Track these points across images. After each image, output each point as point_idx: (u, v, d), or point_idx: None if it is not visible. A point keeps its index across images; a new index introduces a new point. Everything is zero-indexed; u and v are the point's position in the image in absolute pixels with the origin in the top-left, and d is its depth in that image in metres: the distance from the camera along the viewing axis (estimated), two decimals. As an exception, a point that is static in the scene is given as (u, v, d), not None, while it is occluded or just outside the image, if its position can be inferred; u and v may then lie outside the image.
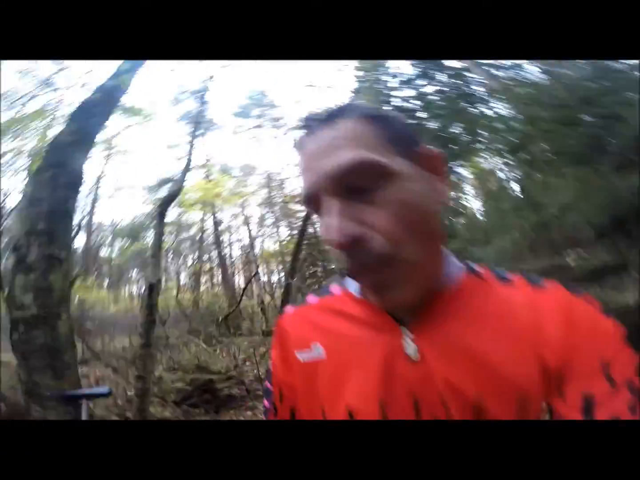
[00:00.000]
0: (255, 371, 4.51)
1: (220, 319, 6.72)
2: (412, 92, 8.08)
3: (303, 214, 7.81)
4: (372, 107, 0.43)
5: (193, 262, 11.31)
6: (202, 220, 11.39)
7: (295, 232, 10.22)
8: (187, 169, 5.12)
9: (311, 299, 0.57)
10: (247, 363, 4.84)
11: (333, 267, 8.61)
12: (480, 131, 5.78)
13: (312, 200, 0.41)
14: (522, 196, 5.22)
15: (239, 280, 13.00)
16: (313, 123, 0.41)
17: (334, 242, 0.37)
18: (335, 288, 0.56)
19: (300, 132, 0.44)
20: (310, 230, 8.28)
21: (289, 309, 0.58)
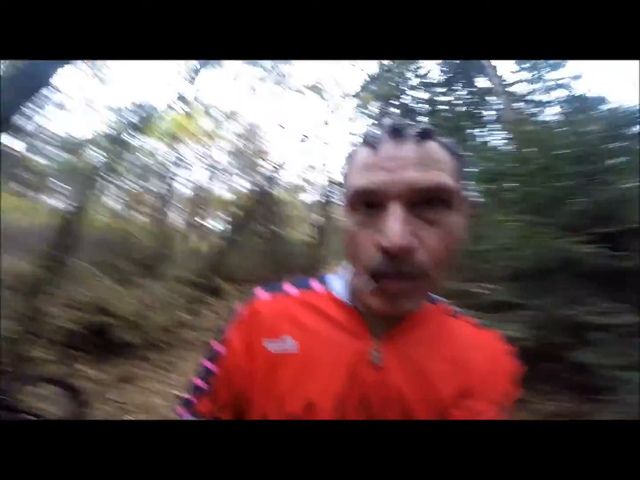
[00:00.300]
0: (163, 321, 4.37)
1: (142, 256, 6.33)
2: (425, 95, 7.98)
3: (268, 172, 7.57)
4: (448, 140, 0.46)
5: (131, 190, 10.41)
6: (160, 152, 10.60)
7: (256, 188, 10.03)
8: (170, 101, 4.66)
9: (290, 289, 0.58)
10: (155, 311, 4.66)
11: (282, 232, 8.60)
12: (467, 153, 5.94)
13: (365, 197, 0.43)
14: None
15: (176, 220, 12.41)
16: (400, 130, 0.43)
17: (389, 245, 0.39)
18: (315, 284, 0.58)
19: (373, 129, 0.46)
20: (270, 190, 8.09)
21: (262, 293, 0.58)
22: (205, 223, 13.41)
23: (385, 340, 0.49)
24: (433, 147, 0.43)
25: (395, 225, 0.39)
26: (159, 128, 8.07)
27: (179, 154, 10.81)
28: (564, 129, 3.76)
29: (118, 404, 2.56)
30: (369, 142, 0.44)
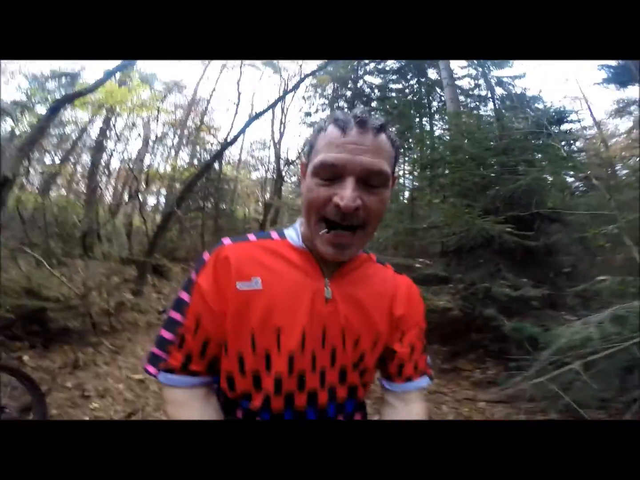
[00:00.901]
0: (104, 303, 4.09)
1: (77, 235, 5.63)
2: (378, 81, 8.01)
3: (215, 147, 7.10)
4: (393, 134, 0.59)
5: (55, 163, 9.00)
6: (89, 122, 9.19)
7: (196, 161, 9.37)
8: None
9: (251, 237, 0.67)
10: (94, 294, 4.32)
11: (224, 207, 8.26)
12: (410, 139, 6.27)
13: (330, 169, 0.54)
14: (407, 203, 6.01)
15: (108, 195, 11.21)
16: (365, 122, 0.54)
17: (344, 204, 0.53)
18: (274, 234, 0.68)
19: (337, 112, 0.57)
20: (216, 166, 7.63)
21: (227, 241, 0.65)
22: (144, 199, 12.30)
23: (333, 278, 0.63)
24: (384, 139, 0.56)
25: (349, 192, 0.53)
26: (91, 99, 7.03)
27: (112, 126, 9.68)
28: (495, 124, 4.22)
29: (75, 390, 2.45)
30: (339, 125, 0.55)
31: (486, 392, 2.86)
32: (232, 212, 9.29)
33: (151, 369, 0.63)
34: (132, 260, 5.82)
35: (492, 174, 3.89)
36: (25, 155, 3.15)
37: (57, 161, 9.09)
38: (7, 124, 7.73)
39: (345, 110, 0.54)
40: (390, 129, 0.58)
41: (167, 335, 0.63)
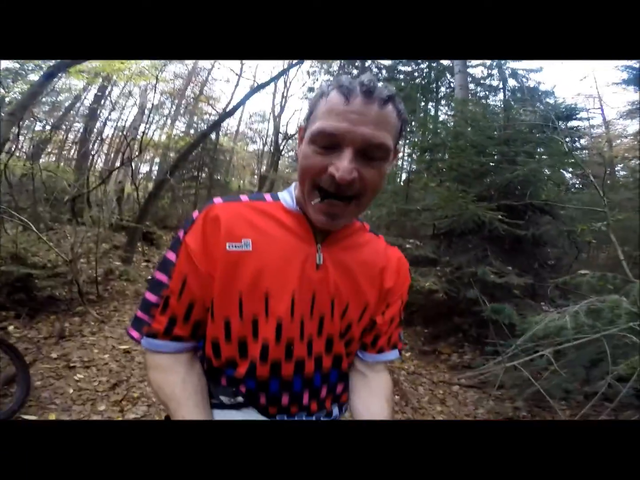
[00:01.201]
0: (92, 271, 4.08)
1: (66, 199, 5.50)
2: (388, 62, 7.65)
3: (213, 117, 6.87)
4: (402, 106, 0.55)
5: (46, 129, 8.67)
6: (84, 90, 8.74)
7: (193, 131, 9.11)
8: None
9: (244, 197, 0.64)
10: (83, 260, 4.32)
11: (219, 178, 8.13)
12: (413, 122, 6.09)
13: (329, 137, 0.51)
14: (402, 185, 5.95)
15: (100, 162, 11.01)
16: (371, 92, 0.50)
17: (340, 176, 0.50)
18: (267, 196, 0.65)
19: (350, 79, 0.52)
20: (213, 137, 7.42)
21: (218, 200, 0.62)
22: (137, 166, 12.02)
23: (326, 244, 0.61)
24: (390, 111, 0.52)
25: (346, 164, 0.50)
26: (87, 66, 6.64)
27: (108, 94, 9.23)
28: (501, 114, 4.12)
29: (61, 361, 2.50)
30: (343, 91, 0.51)
31: (461, 376, 2.99)
32: (226, 183, 9.13)
33: (134, 334, 0.62)
34: (122, 226, 5.76)
35: (491, 163, 3.84)
36: (16, 120, 3.03)
37: (49, 128, 8.75)
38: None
39: (353, 75, 0.49)
40: (398, 100, 0.54)
41: (151, 297, 0.61)
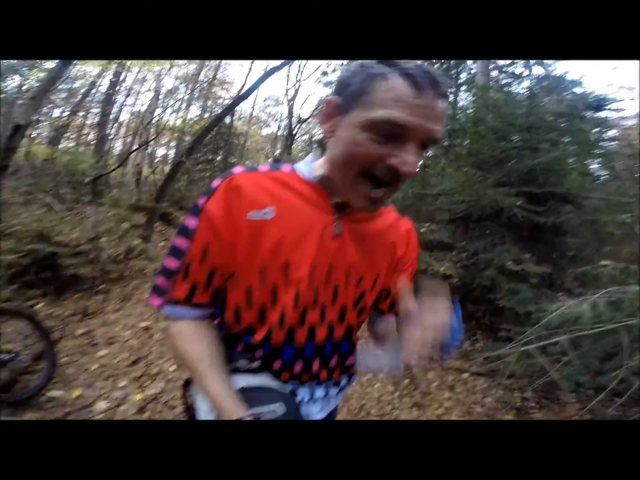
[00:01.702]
0: (112, 250, 4.23)
1: (86, 180, 5.68)
2: None
3: (227, 101, 6.83)
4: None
5: (64, 115, 8.86)
6: (99, 76, 8.80)
7: (207, 115, 9.11)
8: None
9: (262, 168, 0.64)
10: (104, 239, 4.46)
11: (233, 161, 8.16)
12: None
13: (395, 128, 0.49)
14: (419, 170, 5.80)
15: (118, 146, 11.23)
16: (439, 86, 0.49)
17: (405, 170, 0.51)
18: (285, 167, 0.65)
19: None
20: (227, 120, 7.40)
21: (238, 169, 0.63)
22: (154, 150, 12.19)
23: (342, 215, 0.62)
24: (445, 107, 0.52)
25: (412, 158, 0.50)
26: None
27: (123, 79, 9.27)
28: (525, 102, 3.92)
29: (85, 338, 2.64)
30: (413, 81, 0.48)
31: (471, 363, 3.00)
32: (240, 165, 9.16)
33: (156, 302, 0.62)
34: (140, 207, 5.89)
35: (512, 149, 3.68)
36: (37, 105, 3.13)
37: (66, 114, 8.95)
38: (15, 80, 7.49)
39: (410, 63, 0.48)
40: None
41: (171, 264, 0.61)
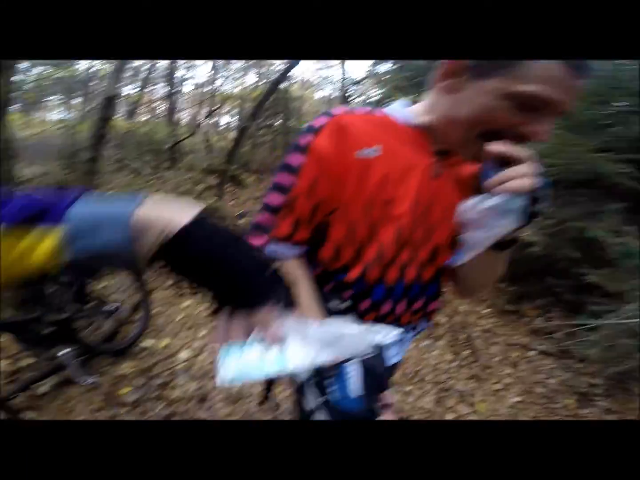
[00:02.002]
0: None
1: (166, 147, 6.25)
2: None
3: (282, 67, 6.69)
4: None
5: (134, 93, 9.65)
6: None
7: (263, 82, 9.08)
8: None
9: (359, 109, 0.66)
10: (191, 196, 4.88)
11: (292, 124, 8.17)
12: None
13: (544, 104, 0.50)
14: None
15: (184, 117, 11.90)
16: (584, 69, 0.50)
17: (542, 138, 0.53)
18: (381, 110, 0.68)
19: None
20: (283, 86, 7.34)
21: (339, 110, 0.65)
22: (218, 119, 12.66)
23: (441, 158, 0.64)
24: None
25: (547, 128, 0.52)
26: None
27: None
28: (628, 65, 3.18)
29: (173, 289, 2.98)
30: (571, 64, 0.48)
31: (541, 342, 2.81)
32: (300, 129, 9.09)
33: (257, 241, 0.63)
34: (212, 170, 6.30)
35: (617, 113, 3.07)
36: (118, 79, 3.51)
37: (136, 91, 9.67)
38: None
39: None
40: None
41: (274, 200, 0.63)
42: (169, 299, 2.84)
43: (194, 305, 2.77)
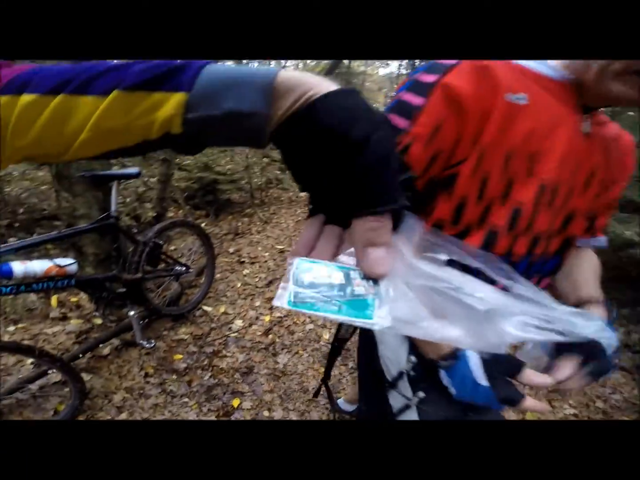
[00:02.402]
0: (256, 180, 4.80)
1: None
2: None
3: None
4: None
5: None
6: None
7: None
8: None
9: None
10: (256, 169, 5.06)
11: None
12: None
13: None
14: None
15: None
16: None
17: None
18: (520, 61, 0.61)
19: None
20: (345, 61, 7.10)
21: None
22: None
23: (589, 116, 0.59)
24: None
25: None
26: None
27: None
28: None
29: (235, 256, 3.18)
30: None
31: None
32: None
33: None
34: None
35: None
36: None
37: None
38: None
39: None
40: None
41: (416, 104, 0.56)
42: (232, 264, 3.01)
43: (252, 274, 2.89)
